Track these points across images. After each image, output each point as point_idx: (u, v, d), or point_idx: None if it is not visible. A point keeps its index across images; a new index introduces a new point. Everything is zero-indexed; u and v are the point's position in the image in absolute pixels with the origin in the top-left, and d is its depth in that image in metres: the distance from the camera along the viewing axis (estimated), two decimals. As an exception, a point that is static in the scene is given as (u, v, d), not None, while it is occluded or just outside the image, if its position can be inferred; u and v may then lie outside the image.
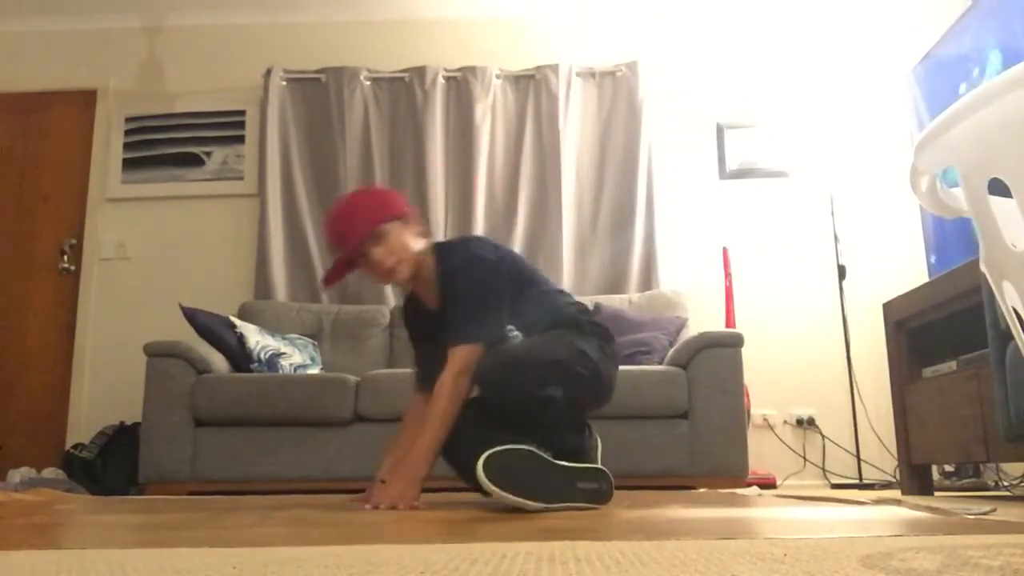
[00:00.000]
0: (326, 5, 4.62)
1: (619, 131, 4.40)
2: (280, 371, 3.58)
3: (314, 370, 3.70)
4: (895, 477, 3.75)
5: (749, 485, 3.40)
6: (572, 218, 4.31)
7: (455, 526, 1.31)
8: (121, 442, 3.67)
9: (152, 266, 4.42)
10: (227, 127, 4.55)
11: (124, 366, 4.04)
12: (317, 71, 4.50)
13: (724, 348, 3.38)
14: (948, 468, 3.64)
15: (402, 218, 2.08)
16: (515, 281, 2.09)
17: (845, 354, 4.12)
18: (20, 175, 4.57)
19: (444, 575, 0.69)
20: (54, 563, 0.79)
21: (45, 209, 4.53)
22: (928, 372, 2.90)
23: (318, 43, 4.62)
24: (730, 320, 4.05)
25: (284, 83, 4.50)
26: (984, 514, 1.53)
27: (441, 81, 4.46)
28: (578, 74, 4.47)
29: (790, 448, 4.11)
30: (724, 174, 4.42)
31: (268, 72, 4.47)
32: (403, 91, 4.48)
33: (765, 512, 1.65)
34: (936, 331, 2.88)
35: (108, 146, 4.53)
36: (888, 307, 3.14)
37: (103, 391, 4.22)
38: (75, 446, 3.78)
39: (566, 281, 4.19)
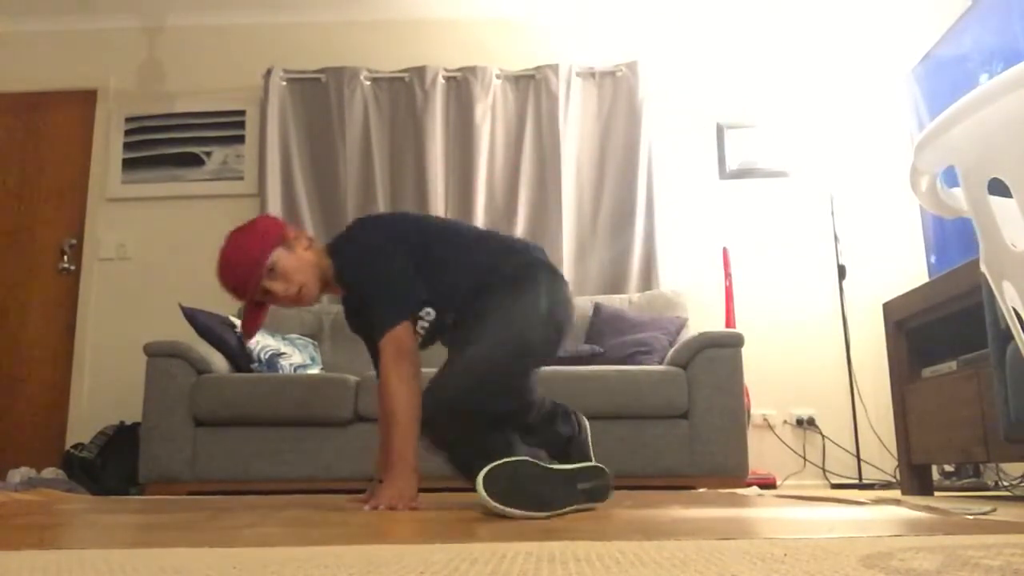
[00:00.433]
0: (326, 5, 4.62)
1: (619, 131, 4.40)
2: (280, 371, 3.58)
3: (314, 370, 3.70)
4: (895, 477, 3.75)
5: (749, 485, 3.40)
6: (572, 218, 4.31)
7: (455, 526, 1.31)
8: (121, 442, 3.67)
9: (152, 266, 4.42)
10: (227, 127, 4.55)
11: (124, 366, 4.04)
12: (317, 71, 4.50)
13: (724, 348, 3.38)
14: (948, 468, 3.64)
15: (283, 242, 2.07)
16: (420, 247, 2.07)
17: (845, 354, 4.12)
18: (20, 175, 4.57)
19: (444, 575, 0.69)
20: (54, 563, 0.79)
21: (45, 209, 4.53)
22: (928, 372, 2.90)
23: (318, 43, 4.63)
24: (730, 320, 4.05)
25: (284, 83, 4.50)
26: (984, 514, 1.53)
27: (441, 81, 4.46)
28: (578, 74, 4.47)
29: (790, 448, 4.11)
30: (724, 174, 4.42)
31: (268, 72, 4.47)
32: (403, 91, 4.48)
33: (765, 512, 1.65)
34: (936, 331, 2.88)
35: (108, 146, 4.54)
36: (888, 307, 3.14)
37: (103, 391, 4.22)
38: (75, 446, 3.78)
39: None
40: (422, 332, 2.10)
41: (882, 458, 3.99)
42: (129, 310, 4.35)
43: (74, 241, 4.46)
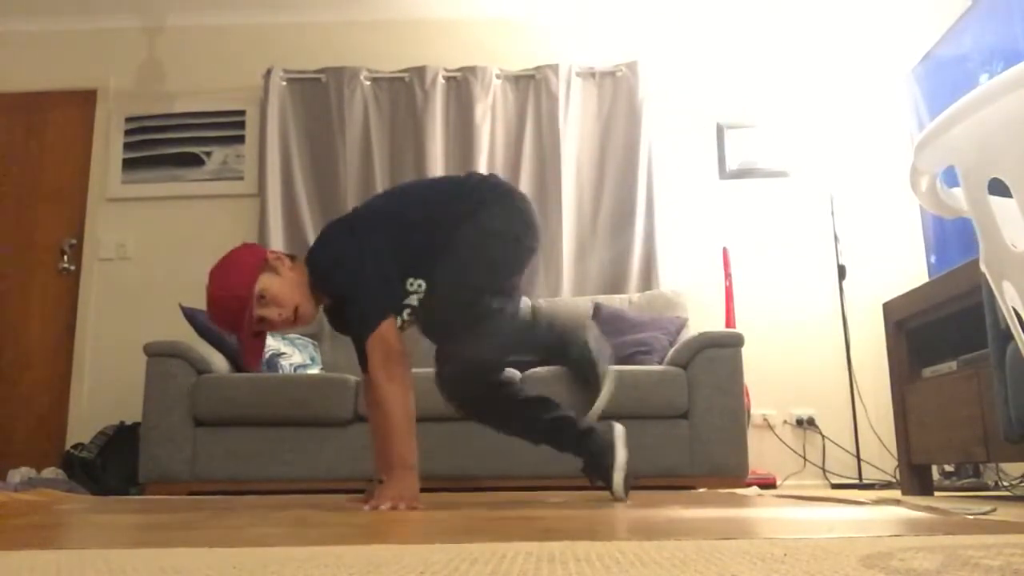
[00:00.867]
0: (326, 5, 4.62)
1: (619, 131, 4.40)
2: (280, 371, 3.58)
3: (314, 370, 3.71)
4: (895, 477, 3.75)
5: (749, 485, 3.40)
6: (572, 218, 4.31)
7: (455, 526, 1.31)
8: (121, 442, 3.67)
9: (152, 266, 4.42)
10: (227, 127, 4.55)
11: (124, 366, 4.04)
12: (317, 71, 4.50)
13: (724, 348, 3.38)
14: (948, 468, 3.64)
15: (266, 268, 2.06)
16: (389, 234, 2.09)
17: (845, 354, 4.12)
18: (20, 175, 4.57)
19: (444, 575, 0.69)
20: (54, 563, 0.79)
21: (45, 209, 4.53)
22: (928, 372, 2.90)
23: (318, 43, 4.63)
24: (730, 320, 4.05)
25: (284, 83, 4.50)
26: (984, 514, 1.53)
27: (441, 81, 4.46)
28: (578, 74, 4.47)
29: (790, 448, 4.11)
30: (724, 174, 4.42)
31: (268, 72, 4.47)
32: (403, 91, 4.48)
33: (765, 512, 1.65)
34: (936, 331, 2.88)
35: (108, 146, 4.54)
36: (888, 307, 3.14)
37: (103, 391, 4.22)
38: (75, 446, 3.78)
39: (566, 281, 4.20)
40: (410, 317, 2.12)
41: (882, 458, 3.99)
42: (129, 310, 4.35)
43: (74, 241, 4.46)
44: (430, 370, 2.10)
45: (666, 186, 4.38)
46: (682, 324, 3.83)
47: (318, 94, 4.48)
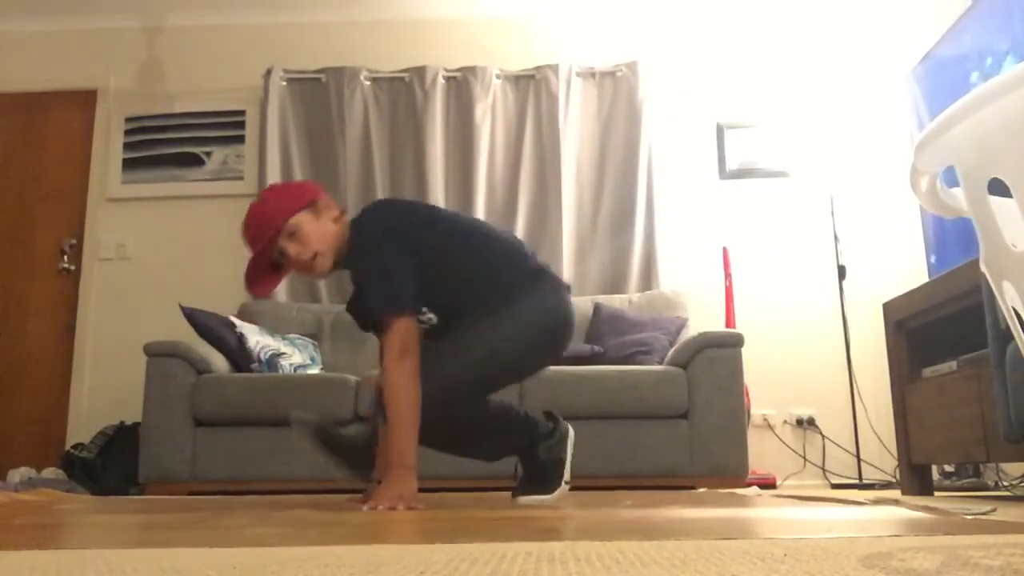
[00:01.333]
0: (326, 5, 4.62)
1: (619, 131, 4.39)
2: (280, 371, 3.58)
3: (314, 370, 3.70)
4: (895, 477, 3.75)
5: (749, 485, 3.40)
6: (572, 218, 4.31)
7: (455, 526, 1.31)
8: (121, 442, 3.67)
9: (152, 266, 4.42)
10: (227, 127, 4.55)
11: (124, 366, 4.04)
12: (317, 71, 4.50)
13: (724, 348, 3.38)
14: (948, 468, 3.64)
15: (311, 206, 2.05)
16: (429, 246, 2.05)
17: (845, 354, 4.12)
18: (20, 175, 4.57)
19: (444, 575, 0.69)
20: (54, 563, 0.79)
21: (45, 209, 4.53)
22: (928, 372, 2.90)
23: (318, 43, 4.62)
24: (730, 320, 4.05)
25: (284, 83, 4.50)
26: (984, 514, 1.53)
27: (441, 81, 4.46)
28: (578, 74, 4.47)
29: (790, 448, 4.11)
30: (724, 174, 4.42)
31: (268, 72, 4.47)
32: (403, 91, 4.47)
33: (765, 512, 1.65)
34: (936, 331, 2.88)
35: (108, 146, 4.53)
36: (888, 307, 3.14)
37: (103, 391, 4.22)
38: (75, 446, 3.78)
39: (566, 281, 4.18)
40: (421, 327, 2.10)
41: (882, 458, 3.99)
42: (129, 310, 4.35)
43: (74, 241, 4.46)
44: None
45: (666, 186, 4.38)
46: (682, 324, 3.83)
47: (318, 94, 4.48)
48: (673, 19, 4.60)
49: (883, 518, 1.45)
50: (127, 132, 4.55)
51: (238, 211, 4.37)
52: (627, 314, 3.88)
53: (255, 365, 3.56)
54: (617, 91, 4.44)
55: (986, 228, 1.04)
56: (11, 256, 4.47)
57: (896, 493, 3.05)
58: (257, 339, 3.63)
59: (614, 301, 4.01)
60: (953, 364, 2.71)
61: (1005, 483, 3.34)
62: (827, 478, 4.04)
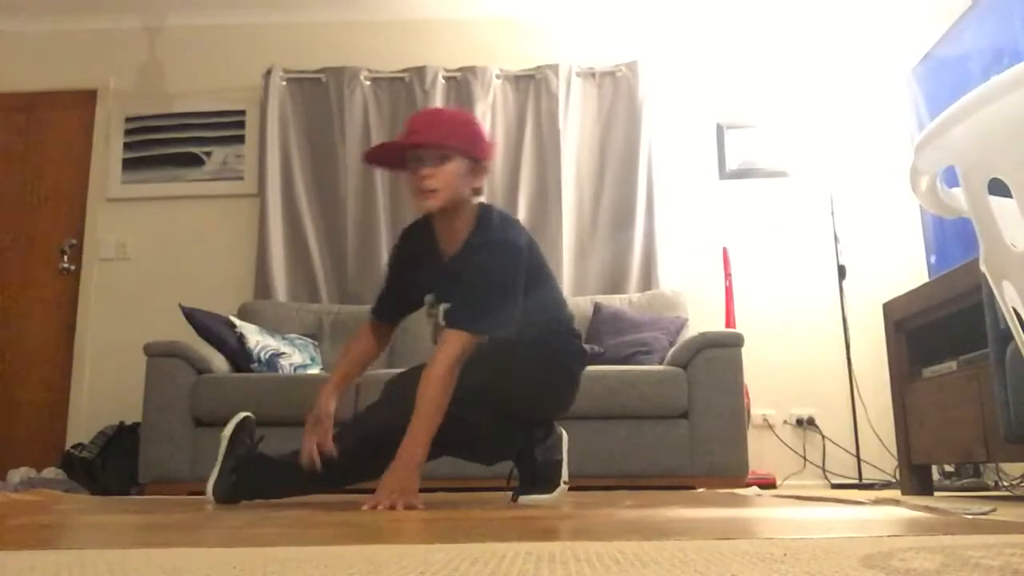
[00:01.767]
0: (326, 5, 4.62)
1: (619, 131, 4.39)
2: (280, 371, 3.58)
3: (314, 370, 3.70)
4: (895, 477, 3.75)
5: (749, 485, 3.40)
6: (572, 218, 4.31)
7: (455, 526, 1.31)
8: (121, 442, 3.67)
9: (152, 266, 4.42)
10: (227, 127, 4.55)
11: (124, 366, 4.04)
12: (317, 71, 4.50)
13: (724, 348, 3.38)
14: (948, 468, 3.64)
15: (476, 164, 2.05)
16: (529, 276, 2.07)
17: (845, 354, 4.12)
18: (20, 175, 4.57)
19: (444, 575, 0.69)
20: (54, 563, 0.79)
21: (45, 209, 4.53)
22: (928, 372, 2.90)
23: (318, 43, 4.62)
24: (730, 320, 4.05)
25: (284, 83, 4.50)
26: (984, 514, 1.53)
27: (441, 81, 4.46)
28: (578, 74, 4.47)
29: (790, 448, 4.11)
30: (724, 174, 4.42)
31: (268, 72, 4.47)
32: (403, 91, 4.47)
33: (765, 512, 1.65)
34: (936, 331, 2.88)
35: (108, 146, 4.54)
36: (888, 307, 3.14)
37: (103, 391, 4.22)
38: (75, 446, 3.78)
39: (566, 281, 4.19)
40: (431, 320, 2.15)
41: (882, 458, 3.99)
42: (129, 310, 4.35)
43: (74, 241, 4.46)
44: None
45: (666, 186, 4.38)
46: (682, 324, 3.83)
47: (318, 94, 4.48)
48: (673, 19, 4.60)
49: (883, 518, 1.45)
50: (127, 132, 4.55)
51: (238, 211, 4.43)
52: (627, 314, 3.88)
53: (255, 365, 3.56)
54: (617, 91, 4.44)
55: (986, 228, 1.04)
56: (11, 256, 4.48)
57: (896, 493, 3.05)
58: (257, 339, 3.63)
59: (614, 301, 4.01)
60: (953, 364, 2.71)
61: (1005, 483, 3.34)
62: (827, 478, 4.04)
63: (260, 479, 2.10)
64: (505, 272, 2.00)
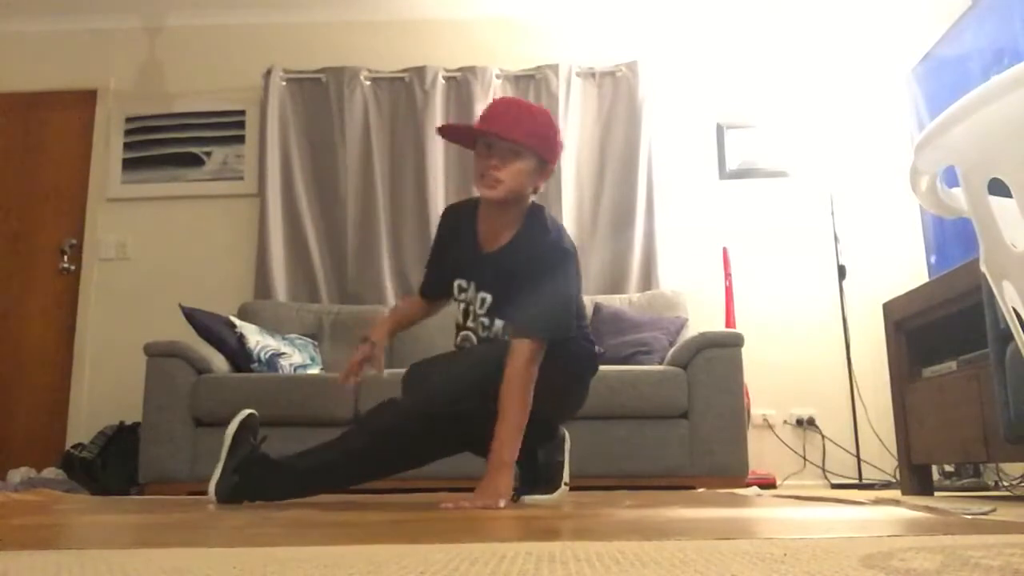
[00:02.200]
0: (326, 5, 4.62)
1: (619, 131, 4.39)
2: (280, 371, 3.58)
3: (314, 370, 3.70)
4: (895, 477, 3.75)
5: (749, 485, 3.40)
6: (572, 218, 4.31)
7: (455, 526, 1.31)
8: (121, 442, 3.67)
9: (152, 266, 4.42)
10: (227, 127, 4.55)
11: (124, 366, 4.04)
12: (317, 71, 4.50)
13: (724, 348, 3.38)
14: (948, 468, 3.64)
15: (543, 164, 2.06)
16: None
17: (845, 354, 4.12)
18: (20, 175, 4.57)
19: (444, 575, 0.69)
20: (54, 563, 0.79)
21: (45, 209, 4.53)
22: (928, 372, 2.90)
23: (318, 43, 4.62)
24: (730, 320, 4.05)
25: (284, 83, 4.50)
26: (984, 514, 1.53)
27: (441, 81, 4.46)
28: (578, 74, 4.47)
29: (790, 448, 4.11)
30: (724, 174, 4.42)
31: (268, 72, 4.47)
32: (403, 91, 4.47)
33: (765, 512, 1.65)
34: (936, 331, 2.88)
35: (108, 146, 4.54)
36: (888, 307, 3.14)
37: (103, 391, 4.22)
38: (75, 446, 3.78)
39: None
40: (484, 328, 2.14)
41: (882, 458, 3.99)
42: (129, 310, 4.35)
43: (74, 241, 4.46)
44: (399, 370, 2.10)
45: (666, 186, 4.38)
46: (682, 324, 3.83)
47: (318, 94, 4.48)
48: (673, 19, 4.60)
49: (883, 518, 1.45)
50: (127, 132, 4.55)
51: (238, 211, 4.44)
52: (627, 314, 3.88)
53: (255, 365, 3.56)
54: (617, 91, 4.44)
55: (986, 228, 1.04)
56: (11, 256, 4.48)
57: (896, 493, 3.05)
58: (257, 339, 3.63)
59: (614, 301, 4.01)
60: (953, 364, 2.71)
61: (1005, 483, 3.34)
62: (827, 478, 4.04)
63: (263, 480, 2.10)
64: (569, 280, 2.04)
